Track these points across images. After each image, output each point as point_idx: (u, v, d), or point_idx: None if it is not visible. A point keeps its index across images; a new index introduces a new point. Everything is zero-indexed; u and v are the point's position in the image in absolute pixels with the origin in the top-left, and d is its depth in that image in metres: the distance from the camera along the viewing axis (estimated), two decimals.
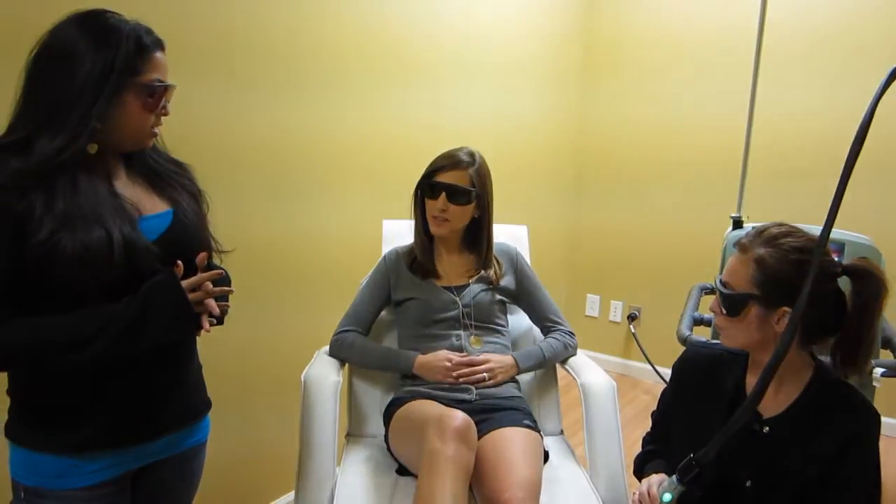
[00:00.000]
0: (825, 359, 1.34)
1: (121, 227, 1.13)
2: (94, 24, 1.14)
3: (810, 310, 1.23)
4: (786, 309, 1.26)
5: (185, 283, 1.18)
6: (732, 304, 1.30)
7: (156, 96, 1.18)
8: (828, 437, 1.28)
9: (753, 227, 1.36)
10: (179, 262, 1.19)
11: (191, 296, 1.17)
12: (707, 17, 3.57)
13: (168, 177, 1.31)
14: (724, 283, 1.33)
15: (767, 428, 1.33)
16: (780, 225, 1.32)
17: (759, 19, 2.54)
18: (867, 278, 1.25)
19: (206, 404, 1.42)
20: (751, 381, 1.38)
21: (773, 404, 1.34)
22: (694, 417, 1.42)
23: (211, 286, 1.20)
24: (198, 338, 1.37)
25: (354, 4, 2.50)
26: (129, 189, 1.23)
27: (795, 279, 1.22)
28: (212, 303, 1.20)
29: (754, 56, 2.56)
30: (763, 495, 1.32)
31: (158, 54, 1.19)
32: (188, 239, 1.27)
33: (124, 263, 1.12)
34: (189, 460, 1.39)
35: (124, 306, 1.13)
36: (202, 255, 1.21)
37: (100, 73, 1.11)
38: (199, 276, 1.20)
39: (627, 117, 3.94)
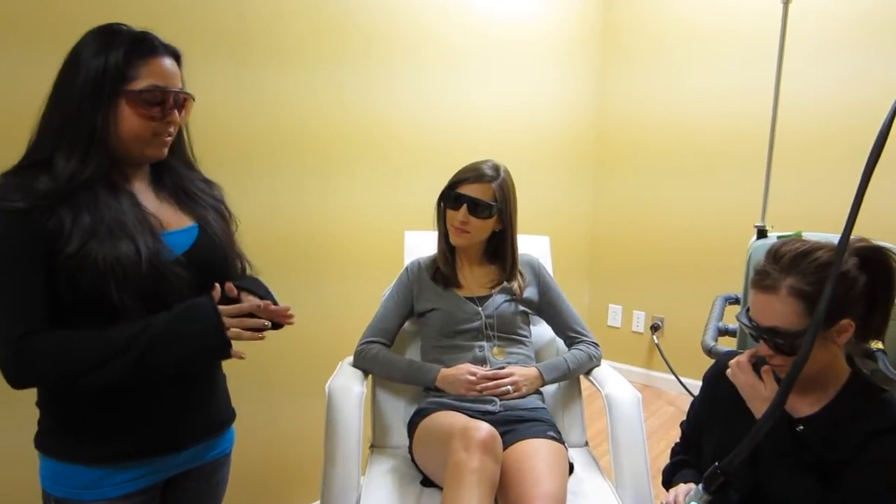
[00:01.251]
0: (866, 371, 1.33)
1: (144, 238, 1.14)
2: (99, 35, 1.14)
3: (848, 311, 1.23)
4: (844, 321, 1.24)
5: (224, 310, 1.17)
6: (794, 343, 1.24)
7: (154, 104, 1.15)
8: (856, 429, 1.27)
9: (763, 257, 1.31)
10: (217, 285, 1.19)
11: (227, 321, 1.17)
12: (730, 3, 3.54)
13: (196, 195, 1.31)
14: (775, 330, 1.26)
15: (801, 427, 1.32)
16: (786, 244, 1.29)
17: (782, 8, 2.51)
18: (879, 257, 1.25)
19: (231, 416, 1.43)
20: None
21: (808, 406, 1.34)
22: (727, 428, 1.41)
23: (250, 321, 1.19)
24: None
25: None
26: (153, 203, 1.24)
27: (839, 291, 1.20)
28: (245, 333, 1.19)
29: (778, 49, 2.52)
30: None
31: (161, 59, 1.16)
32: (215, 255, 1.28)
33: (151, 274, 1.13)
34: (214, 472, 1.40)
35: (157, 321, 1.13)
36: (229, 287, 1.21)
37: (93, 81, 1.10)
38: (240, 306, 1.19)
39: (646, 119, 3.93)
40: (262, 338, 1.20)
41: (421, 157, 2.82)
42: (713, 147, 3.68)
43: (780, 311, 1.25)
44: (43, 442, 1.23)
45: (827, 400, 1.33)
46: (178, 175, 1.30)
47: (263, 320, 1.21)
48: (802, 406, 1.35)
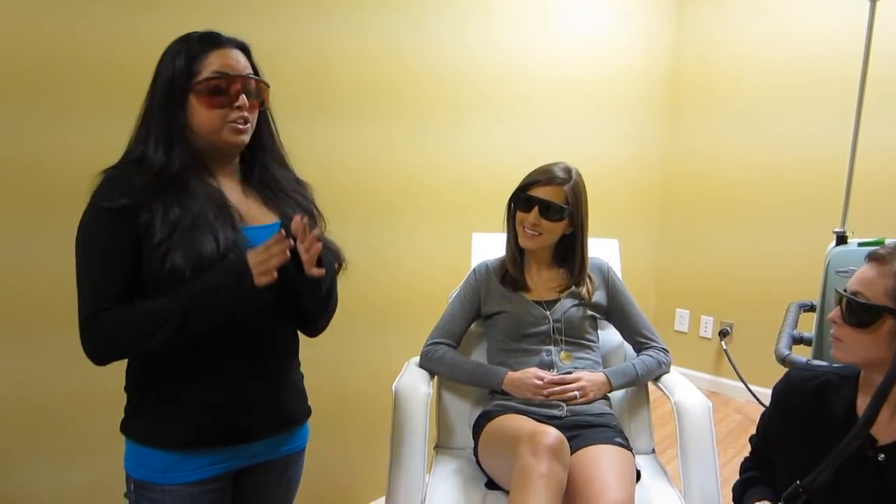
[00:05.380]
0: None
1: (224, 230, 1.19)
2: (174, 42, 1.23)
3: None
4: None
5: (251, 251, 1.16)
6: (864, 315, 1.23)
7: (218, 92, 1.20)
8: None
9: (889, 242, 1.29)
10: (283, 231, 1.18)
11: (251, 256, 1.15)
12: (810, 24, 3.43)
13: (284, 192, 1.35)
14: (854, 293, 1.25)
15: (882, 455, 1.26)
16: None
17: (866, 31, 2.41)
18: None
19: (306, 412, 1.44)
20: (863, 403, 1.30)
21: (890, 430, 1.26)
22: (801, 445, 1.36)
23: (278, 250, 1.15)
24: (299, 347, 1.42)
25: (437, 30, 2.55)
26: (238, 198, 1.29)
27: None
28: (272, 261, 1.16)
29: (861, 71, 2.44)
30: None
31: (224, 51, 1.21)
32: (293, 252, 1.30)
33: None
34: (287, 467, 1.42)
35: (196, 282, 1.15)
36: (297, 221, 1.19)
37: (168, 81, 1.19)
38: (266, 242, 1.16)
39: (718, 137, 3.84)
40: (287, 257, 1.17)
41: (493, 177, 2.84)
42: (790, 162, 3.53)
43: (874, 280, 1.23)
44: (127, 426, 1.29)
45: None
46: (267, 172, 1.34)
47: (286, 242, 1.16)
48: (884, 429, 1.27)
